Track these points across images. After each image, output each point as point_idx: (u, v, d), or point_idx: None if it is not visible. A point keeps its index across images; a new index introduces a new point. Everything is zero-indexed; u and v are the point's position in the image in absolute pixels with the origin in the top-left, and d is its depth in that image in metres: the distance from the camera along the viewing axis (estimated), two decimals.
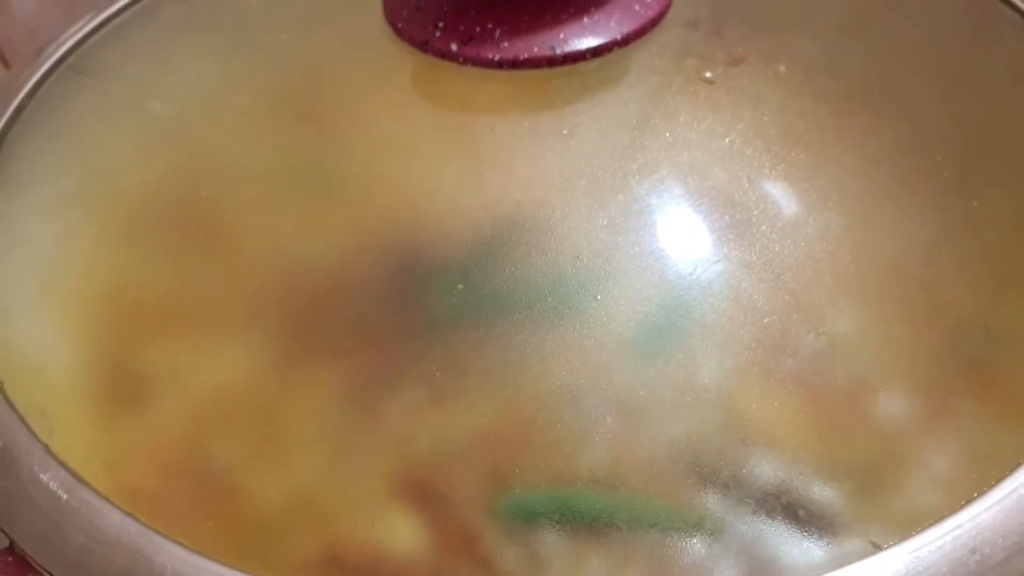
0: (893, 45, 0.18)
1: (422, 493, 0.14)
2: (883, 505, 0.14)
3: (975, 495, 0.14)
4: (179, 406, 0.15)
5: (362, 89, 0.18)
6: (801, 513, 0.14)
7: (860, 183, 0.16)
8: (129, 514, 0.14)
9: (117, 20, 0.21)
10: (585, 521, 0.14)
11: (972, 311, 0.16)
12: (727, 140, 0.16)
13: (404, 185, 0.17)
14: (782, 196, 0.16)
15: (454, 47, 0.16)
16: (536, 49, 0.16)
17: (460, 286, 0.15)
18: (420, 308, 0.16)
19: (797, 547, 0.14)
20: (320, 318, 0.16)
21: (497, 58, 0.16)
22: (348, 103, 0.18)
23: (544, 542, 0.14)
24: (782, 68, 0.16)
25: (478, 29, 0.16)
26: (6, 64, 0.26)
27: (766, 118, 0.16)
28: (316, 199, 0.17)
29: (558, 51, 0.16)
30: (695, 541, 0.14)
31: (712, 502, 0.14)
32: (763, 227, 0.16)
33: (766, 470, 0.14)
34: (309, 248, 0.16)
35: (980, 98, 0.18)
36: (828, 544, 0.14)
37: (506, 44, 0.16)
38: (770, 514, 0.14)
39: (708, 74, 0.16)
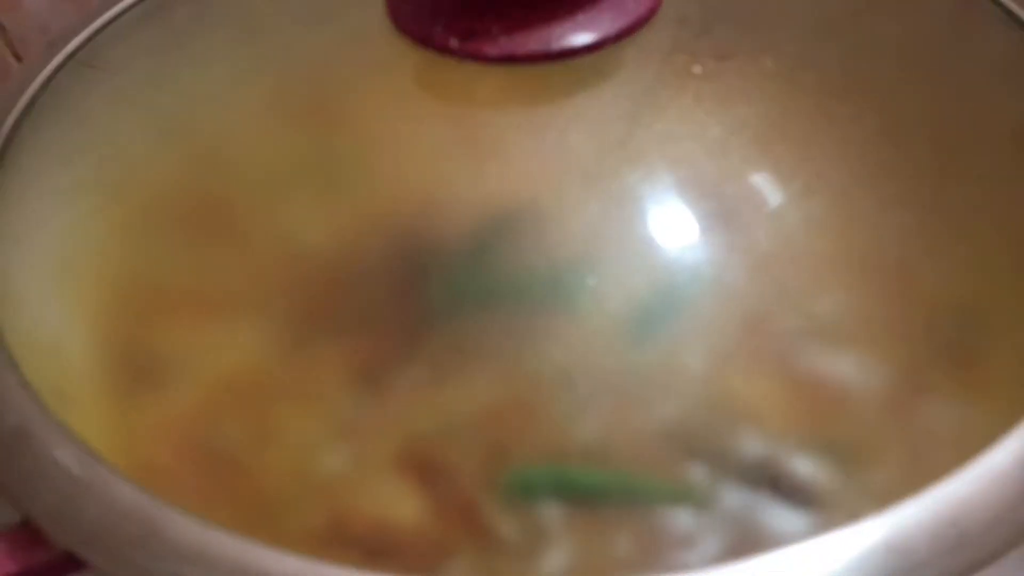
0: (876, 40, 0.19)
1: (425, 468, 0.15)
2: (864, 478, 0.15)
3: (954, 469, 0.14)
4: (190, 386, 0.16)
5: (365, 83, 0.18)
6: (784, 485, 0.15)
7: (842, 173, 0.17)
8: (142, 488, 0.14)
9: (127, 16, 0.22)
10: (579, 494, 0.15)
11: (949, 294, 0.16)
12: (715, 132, 0.17)
13: (406, 176, 0.17)
14: (767, 186, 0.17)
15: (454, 43, 0.17)
16: (533, 45, 0.17)
17: (460, 272, 0.16)
18: (422, 293, 0.16)
19: (780, 517, 0.14)
20: (326, 303, 0.16)
21: (495, 53, 0.17)
22: (352, 96, 0.18)
23: (541, 514, 0.14)
24: (768, 63, 0.17)
25: (477, 26, 0.17)
26: (17, 58, 0.26)
27: (753, 111, 0.17)
28: (321, 189, 0.18)
29: (553, 47, 0.17)
30: (683, 512, 0.14)
31: (699, 475, 0.15)
32: (749, 215, 0.16)
33: (751, 445, 0.15)
34: (315, 236, 0.17)
35: (959, 90, 0.19)
36: (810, 515, 0.14)
37: (504, 40, 0.17)
38: (755, 486, 0.15)
39: (697, 69, 0.17)
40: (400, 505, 0.14)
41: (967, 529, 0.14)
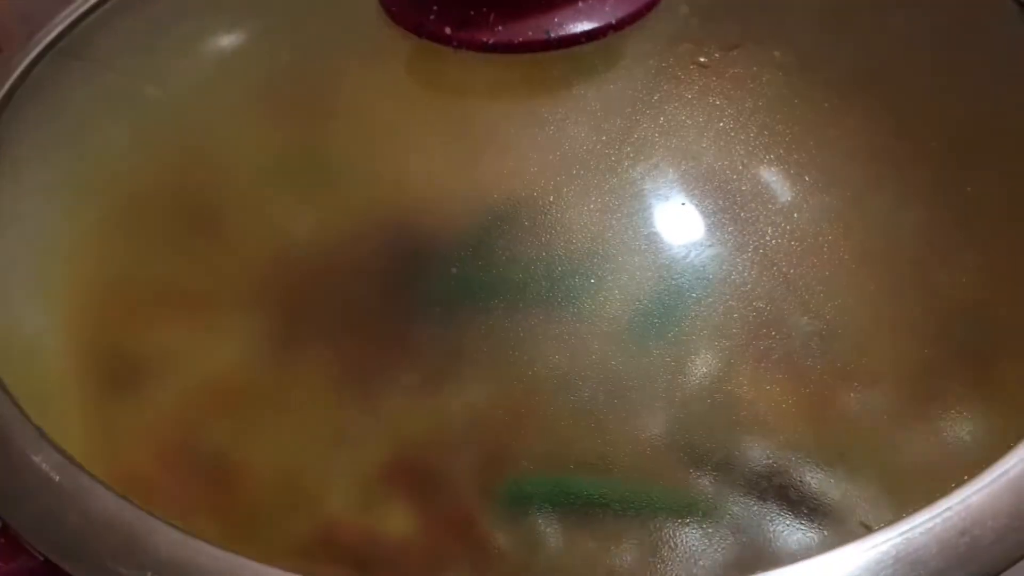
0: (888, 31, 0.18)
1: (417, 477, 0.14)
2: (874, 487, 0.14)
3: (965, 478, 0.14)
4: (174, 390, 0.15)
5: (356, 73, 0.18)
6: (793, 495, 0.14)
7: (854, 169, 0.16)
8: (123, 496, 0.14)
9: (109, 4, 0.21)
10: (579, 504, 0.14)
11: (964, 296, 0.16)
12: (721, 125, 0.16)
13: (399, 170, 0.17)
14: (776, 181, 0.16)
15: (448, 31, 0.16)
16: (530, 32, 0.16)
17: (454, 270, 0.15)
18: (415, 293, 0.16)
19: (788, 529, 0.14)
20: (315, 302, 0.16)
21: (491, 41, 0.16)
22: (342, 87, 0.18)
23: (538, 525, 0.14)
24: (777, 54, 0.16)
25: (472, 12, 0.16)
26: None
27: (760, 104, 0.16)
28: (311, 184, 0.17)
29: (552, 35, 0.16)
30: (687, 523, 0.14)
31: (704, 484, 0.14)
32: (757, 212, 0.16)
33: (758, 452, 0.14)
34: (303, 234, 0.16)
35: (974, 85, 0.18)
36: (819, 526, 0.14)
37: (500, 28, 0.16)
38: (762, 496, 0.14)
39: (703, 59, 0.16)
40: (391, 516, 0.14)
41: (978, 538, 0.13)
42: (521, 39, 0.16)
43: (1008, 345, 0.15)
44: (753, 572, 0.13)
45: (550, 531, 0.14)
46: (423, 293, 0.16)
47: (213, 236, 0.17)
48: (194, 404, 0.15)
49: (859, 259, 0.16)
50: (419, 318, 0.15)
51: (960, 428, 0.15)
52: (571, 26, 0.16)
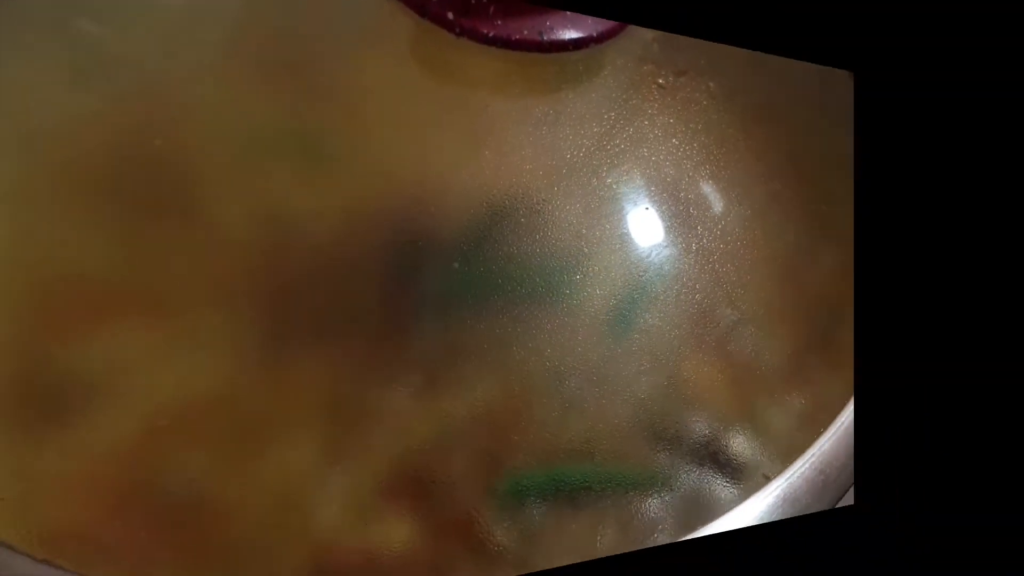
0: (792, 74, 0.22)
1: (418, 486, 0.14)
2: (769, 444, 0.18)
3: (822, 430, 0.18)
4: (125, 415, 0.12)
5: (355, 50, 0.16)
6: (721, 459, 0.17)
7: (760, 187, 0.20)
8: (44, 561, 0.11)
9: None
10: (567, 490, 0.15)
11: (823, 291, 0.20)
12: (674, 141, 0.18)
13: (396, 158, 0.15)
14: (710, 193, 0.19)
15: (451, 15, 0.15)
16: (526, 32, 0.16)
17: (454, 265, 0.15)
18: (414, 289, 0.15)
19: (719, 487, 0.17)
20: (305, 301, 0.14)
21: (491, 35, 0.16)
22: (340, 64, 0.15)
23: (532, 516, 0.14)
24: (711, 84, 0.19)
25: (473, 0, 0.15)
26: None
27: (700, 126, 0.19)
28: (299, 166, 0.14)
29: (545, 37, 0.16)
30: (650, 494, 0.16)
31: (662, 458, 0.16)
32: (697, 218, 0.18)
33: (699, 426, 0.17)
34: (292, 223, 0.14)
35: (829, 127, 0.23)
36: (738, 481, 0.17)
37: (499, 21, 0.16)
38: (702, 463, 0.17)
39: (661, 80, 0.18)
40: (393, 531, 0.13)
41: (829, 476, 0.18)
42: (518, 36, 0.16)
43: (845, 322, 0.20)
44: (695, 528, 0.15)
45: (542, 519, 0.15)
46: (423, 289, 0.15)
47: (178, 219, 0.13)
48: (154, 430, 0.12)
49: (759, 262, 0.19)
50: (418, 315, 0.14)
51: (818, 391, 0.19)
52: (561, 31, 0.16)
